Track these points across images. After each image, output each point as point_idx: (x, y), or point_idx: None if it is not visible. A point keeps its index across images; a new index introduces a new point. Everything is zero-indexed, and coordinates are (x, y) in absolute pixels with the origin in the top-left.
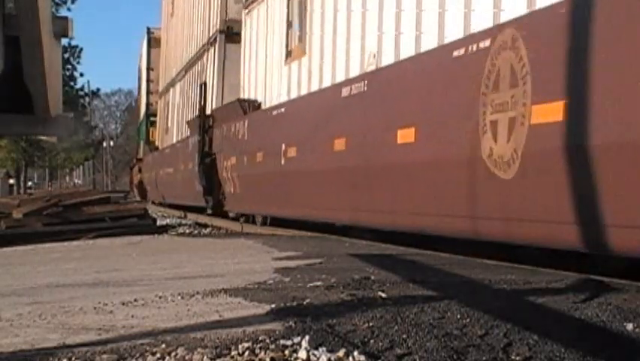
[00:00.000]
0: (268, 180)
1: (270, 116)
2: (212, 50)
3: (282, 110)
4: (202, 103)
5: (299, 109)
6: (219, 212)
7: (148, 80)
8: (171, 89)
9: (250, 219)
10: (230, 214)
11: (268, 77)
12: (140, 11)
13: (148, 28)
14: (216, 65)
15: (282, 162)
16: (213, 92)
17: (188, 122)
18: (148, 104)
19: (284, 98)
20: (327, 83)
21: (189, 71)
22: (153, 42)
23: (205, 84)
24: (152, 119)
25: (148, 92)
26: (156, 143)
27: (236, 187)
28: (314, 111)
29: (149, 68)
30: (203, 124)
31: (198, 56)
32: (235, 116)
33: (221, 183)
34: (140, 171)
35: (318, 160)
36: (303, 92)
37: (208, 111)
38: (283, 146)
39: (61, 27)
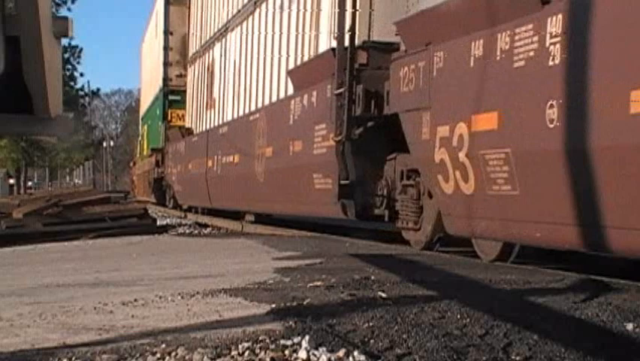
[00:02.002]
0: None
1: None
2: None
3: None
4: (350, 23)
5: None
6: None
7: (166, 48)
8: (217, 45)
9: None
10: (408, 236)
11: None
12: (141, 11)
13: None
14: None
15: None
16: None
17: (291, 73)
18: (165, 80)
19: None
20: None
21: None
22: None
23: None
24: (171, 98)
25: (166, 64)
26: (188, 125)
27: (489, 183)
28: None
29: (167, 32)
30: (351, 63)
31: None
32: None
33: (397, 175)
34: (158, 164)
35: None
36: None
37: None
38: None
39: (61, 27)
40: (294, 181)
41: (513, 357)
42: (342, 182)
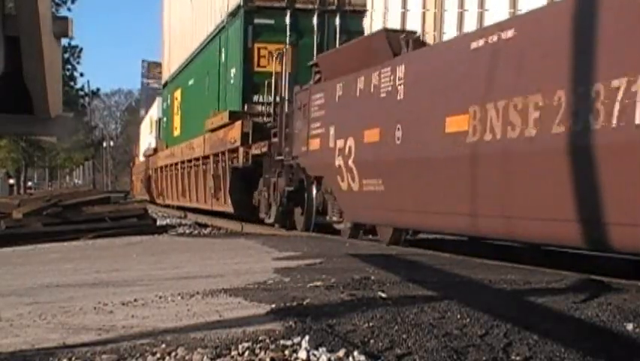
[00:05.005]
0: None
1: None
2: None
3: None
4: None
5: None
6: None
7: None
8: None
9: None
10: None
11: None
12: (140, 11)
13: None
14: None
15: None
16: None
17: None
18: None
19: None
20: None
21: None
22: None
23: None
24: (259, 21)
25: None
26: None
27: None
28: None
29: None
30: None
31: None
32: None
33: None
34: (246, 140)
35: None
36: None
37: None
38: None
39: (61, 27)
40: None
41: (513, 357)
42: None
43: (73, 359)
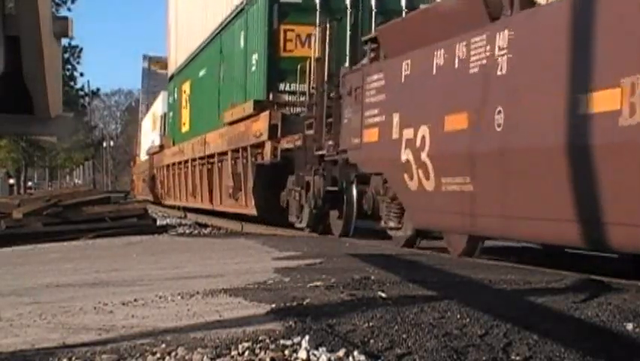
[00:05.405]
0: None
1: None
2: None
3: None
4: None
5: None
6: None
7: None
8: None
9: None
10: None
11: None
12: (141, 11)
13: None
14: None
15: None
16: None
17: None
18: None
19: None
20: None
21: None
22: None
23: None
24: None
25: None
26: None
27: None
28: None
29: None
30: None
31: None
32: None
33: None
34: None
35: None
36: None
37: None
38: None
39: (61, 27)
40: None
41: (513, 357)
42: None
43: (73, 359)
